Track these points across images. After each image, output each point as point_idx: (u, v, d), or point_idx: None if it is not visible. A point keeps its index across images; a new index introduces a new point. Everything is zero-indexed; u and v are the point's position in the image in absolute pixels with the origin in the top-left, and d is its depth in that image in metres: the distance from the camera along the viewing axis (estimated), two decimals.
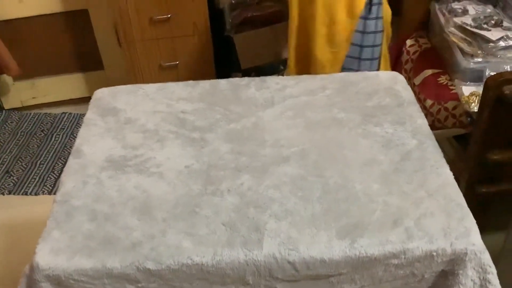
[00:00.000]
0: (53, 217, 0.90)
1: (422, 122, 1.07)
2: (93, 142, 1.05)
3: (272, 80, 1.19)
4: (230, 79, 1.23)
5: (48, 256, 0.83)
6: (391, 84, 1.18)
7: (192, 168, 0.99)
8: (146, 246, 0.84)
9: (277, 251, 0.83)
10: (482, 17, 1.81)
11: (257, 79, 1.22)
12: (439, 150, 1.01)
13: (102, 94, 1.18)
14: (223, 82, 1.21)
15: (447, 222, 0.86)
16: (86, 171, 0.98)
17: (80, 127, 2.55)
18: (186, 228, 0.87)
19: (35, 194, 2.15)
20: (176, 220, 0.88)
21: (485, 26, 1.77)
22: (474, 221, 0.87)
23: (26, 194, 2.15)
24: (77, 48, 2.50)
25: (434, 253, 0.83)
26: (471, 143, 1.61)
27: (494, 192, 1.65)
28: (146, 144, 1.04)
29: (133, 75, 2.37)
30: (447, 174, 0.96)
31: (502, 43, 1.67)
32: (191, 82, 1.21)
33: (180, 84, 1.20)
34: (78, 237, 0.86)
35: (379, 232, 0.85)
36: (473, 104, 1.63)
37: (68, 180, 0.97)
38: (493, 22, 1.77)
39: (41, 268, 0.82)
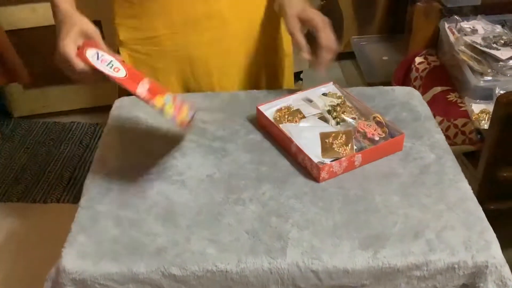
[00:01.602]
0: (78, 222, 0.91)
1: (439, 137, 1.09)
2: (116, 150, 1.07)
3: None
4: (249, 91, 1.25)
5: (75, 260, 0.84)
6: (407, 99, 1.20)
7: (214, 177, 1.00)
8: (171, 252, 0.85)
9: (300, 260, 0.84)
10: (491, 36, 1.84)
11: (273, 91, 1.24)
12: (457, 165, 1.03)
13: (122, 103, 1.20)
14: (242, 94, 1.23)
15: (467, 235, 0.87)
16: (110, 178, 0.99)
17: (88, 136, 2.56)
18: (209, 235, 0.88)
19: (44, 202, 2.16)
20: (200, 227, 0.90)
21: (494, 45, 1.80)
22: (494, 235, 0.88)
23: (34, 201, 2.16)
24: None
25: (456, 266, 0.85)
26: (480, 160, 1.63)
27: (504, 209, 1.67)
28: (168, 152, 1.06)
29: None
30: (466, 188, 0.97)
31: (511, 63, 1.70)
32: (210, 93, 1.23)
33: (200, 95, 1.21)
34: (104, 242, 0.87)
35: (401, 243, 0.86)
36: (483, 121, 1.66)
37: (93, 186, 0.98)
38: (502, 41, 1.81)
39: (67, 272, 0.83)
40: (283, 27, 1.32)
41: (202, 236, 0.88)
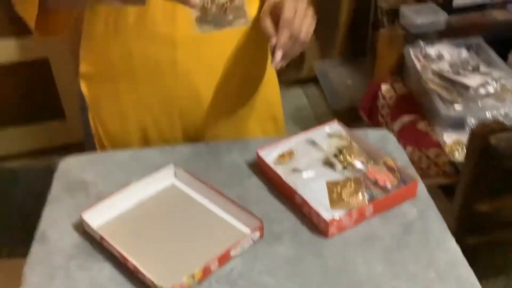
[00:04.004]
0: None
1: (420, 186, 1.00)
2: (60, 224, 0.93)
3: (257, 143, 1.10)
4: (210, 142, 1.13)
5: None
6: (382, 144, 1.11)
7: None
8: None
9: None
10: (458, 62, 1.79)
11: (240, 142, 1.13)
12: (442, 220, 0.94)
13: (68, 165, 1.07)
14: (202, 146, 1.12)
15: None
16: (52, 261, 0.86)
17: (40, 181, 2.37)
18: None
19: None
20: None
21: (462, 71, 1.74)
22: None
23: None
24: (37, 98, 2.37)
25: None
26: (457, 194, 1.56)
27: (483, 243, 1.60)
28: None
29: None
30: (455, 248, 0.88)
31: (482, 90, 1.65)
32: (168, 148, 1.11)
33: (156, 150, 1.09)
34: None
35: None
36: (457, 153, 1.59)
37: (32, 273, 0.84)
38: (470, 68, 1.75)
39: None
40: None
41: None
